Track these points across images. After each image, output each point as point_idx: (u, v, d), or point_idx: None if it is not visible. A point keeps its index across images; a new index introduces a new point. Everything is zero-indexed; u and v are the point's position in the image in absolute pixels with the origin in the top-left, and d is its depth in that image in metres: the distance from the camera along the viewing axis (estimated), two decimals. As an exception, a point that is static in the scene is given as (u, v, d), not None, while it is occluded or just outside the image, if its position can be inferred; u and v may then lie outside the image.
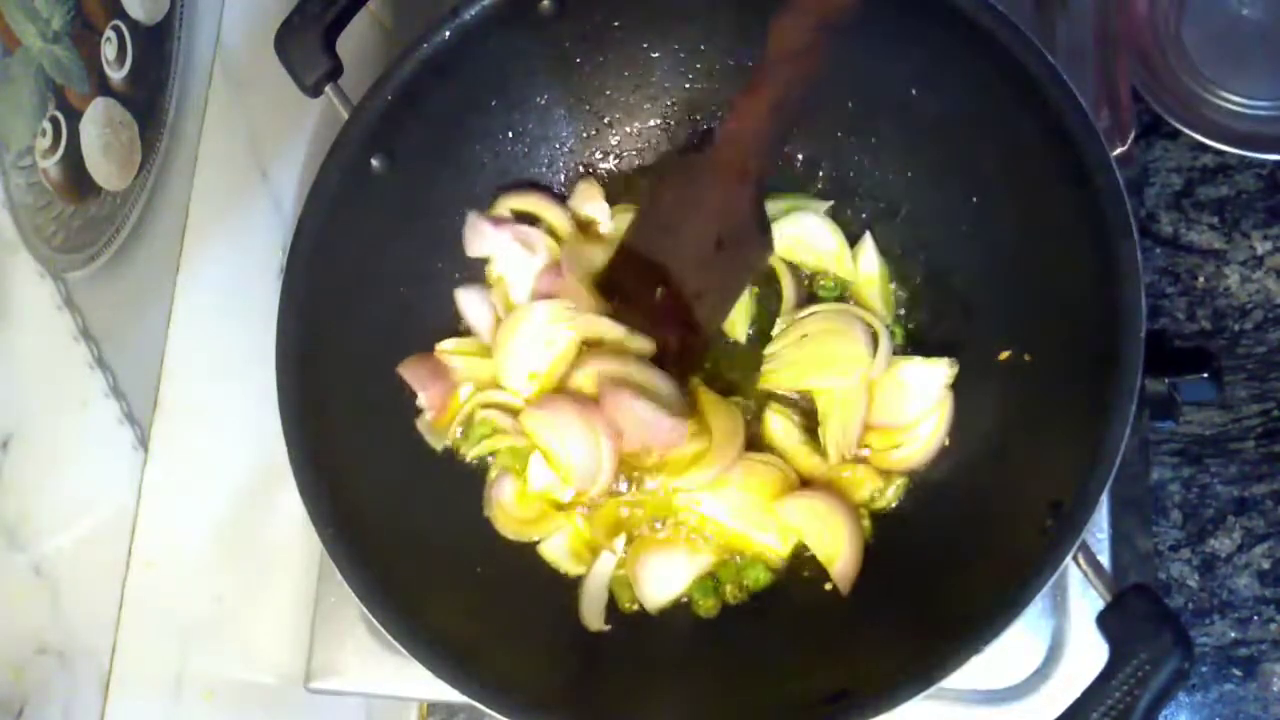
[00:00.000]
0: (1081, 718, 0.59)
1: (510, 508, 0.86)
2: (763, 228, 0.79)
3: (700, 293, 0.81)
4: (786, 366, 0.86)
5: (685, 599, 0.84)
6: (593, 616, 0.83)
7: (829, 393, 0.85)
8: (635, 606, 0.84)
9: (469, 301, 0.90)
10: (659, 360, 0.84)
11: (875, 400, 0.84)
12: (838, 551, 0.81)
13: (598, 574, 0.84)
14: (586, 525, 0.86)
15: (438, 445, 0.88)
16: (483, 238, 0.90)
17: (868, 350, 0.84)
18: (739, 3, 0.86)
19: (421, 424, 0.88)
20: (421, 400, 0.88)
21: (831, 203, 0.90)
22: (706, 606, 0.83)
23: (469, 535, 0.86)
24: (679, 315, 0.81)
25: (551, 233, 0.91)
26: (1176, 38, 1.09)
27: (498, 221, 0.90)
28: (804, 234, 0.89)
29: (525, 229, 0.90)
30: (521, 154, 0.92)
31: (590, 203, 0.92)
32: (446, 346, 0.89)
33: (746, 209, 0.77)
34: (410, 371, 0.87)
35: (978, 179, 0.82)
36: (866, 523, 0.83)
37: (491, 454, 0.88)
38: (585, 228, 0.92)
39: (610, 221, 0.91)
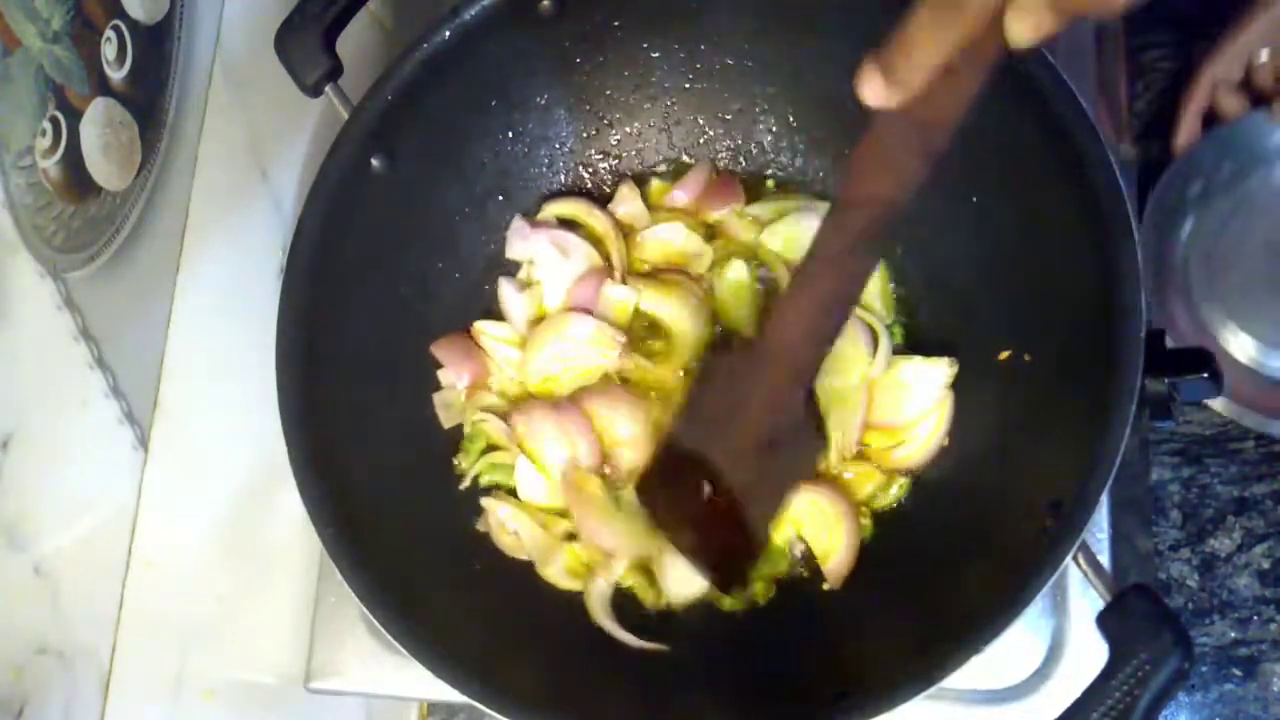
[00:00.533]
0: (1081, 718, 0.59)
1: (514, 531, 0.86)
2: (816, 426, 0.74)
3: (749, 494, 0.74)
4: None
5: (710, 598, 0.84)
6: (605, 622, 0.83)
7: (829, 391, 0.85)
8: (664, 603, 0.84)
9: (509, 293, 0.91)
10: (708, 565, 0.80)
11: (875, 400, 0.84)
12: (835, 548, 0.81)
13: (600, 586, 0.84)
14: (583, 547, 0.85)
15: (448, 423, 0.89)
16: (523, 240, 0.91)
17: (868, 350, 0.84)
18: (738, 3, 0.86)
19: (439, 399, 0.89)
20: (448, 376, 0.89)
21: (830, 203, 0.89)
22: (732, 602, 0.83)
23: (469, 534, 0.86)
24: (726, 517, 0.74)
25: (593, 238, 0.92)
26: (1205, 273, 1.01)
27: (536, 225, 0.91)
28: (803, 234, 0.89)
29: (563, 234, 0.91)
30: (521, 154, 0.92)
31: (627, 204, 0.93)
32: (485, 328, 0.90)
33: (798, 408, 0.71)
34: (444, 350, 0.89)
35: (978, 179, 0.82)
36: (867, 521, 0.83)
37: (486, 476, 0.88)
38: (626, 232, 0.92)
39: (650, 229, 0.92)
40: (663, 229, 0.91)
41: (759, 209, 0.92)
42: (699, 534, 0.78)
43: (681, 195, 0.93)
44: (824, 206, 0.89)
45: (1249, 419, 1.00)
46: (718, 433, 0.74)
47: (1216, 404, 1.00)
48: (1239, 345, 1.02)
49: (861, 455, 0.85)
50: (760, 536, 0.76)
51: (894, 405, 0.84)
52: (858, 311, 0.86)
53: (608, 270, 0.90)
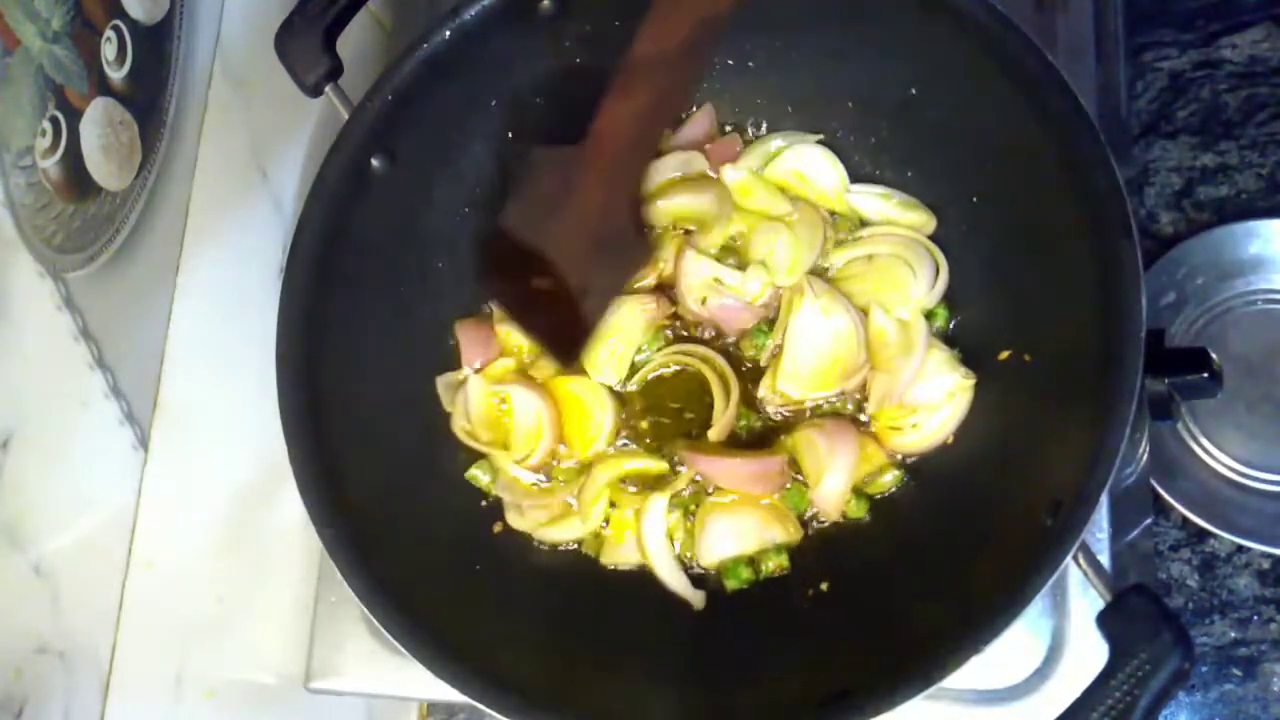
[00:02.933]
0: (1081, 718, 0.59)
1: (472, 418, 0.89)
2: (640, 233, 0.76)
3: (584, 290, 0.77)
4: (851, 279, 0.88)
5: (716, 573, 0.85)
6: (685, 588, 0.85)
7: (886, 327, 0.85)
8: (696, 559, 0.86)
9: None
10: (545, 340, 0.83)
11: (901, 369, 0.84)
12: (821, 475, 0.83)
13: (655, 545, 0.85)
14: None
15: (450, 405, 0.90)
16: None
17: (928, 278, 0.85)
18: (739, 2, 0.85)
19: (443, 382, 0.90)
20: (468, 359, 0.90)
21: (821, 135, 0.90)
22: (741, 578, 0.84)
23: (469, 534, 0.86)
24: (560, 305, 0.77)
25: None
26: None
27: None
28: (805, 168, 0.89)
29: None
30: (522, 153, 0.92)
31: None
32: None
33: (623, 213, 0.74)
34: (465, 332, 0.91)
35: (977, 179, 0.82)
36: (862, 502, 0.84)
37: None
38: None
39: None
40: (662, 161, 0.91)
41: (753, 158, 0.92)
42: (537, 314, 0.79)
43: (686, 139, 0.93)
44: (815, 138, 0.90)
45: (1228, 534, 1.01)
46: (549, 223, 0.75)
47: (1195, 517, 1.01)
48: (1215, 461, 1.02)
49: (867, 428, 0.85)
50: (591, 323, 0.78)
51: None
52: (926, 243, 0.86)
53: None
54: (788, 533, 0.84)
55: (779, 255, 0.88)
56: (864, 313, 0.86)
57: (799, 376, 0.86)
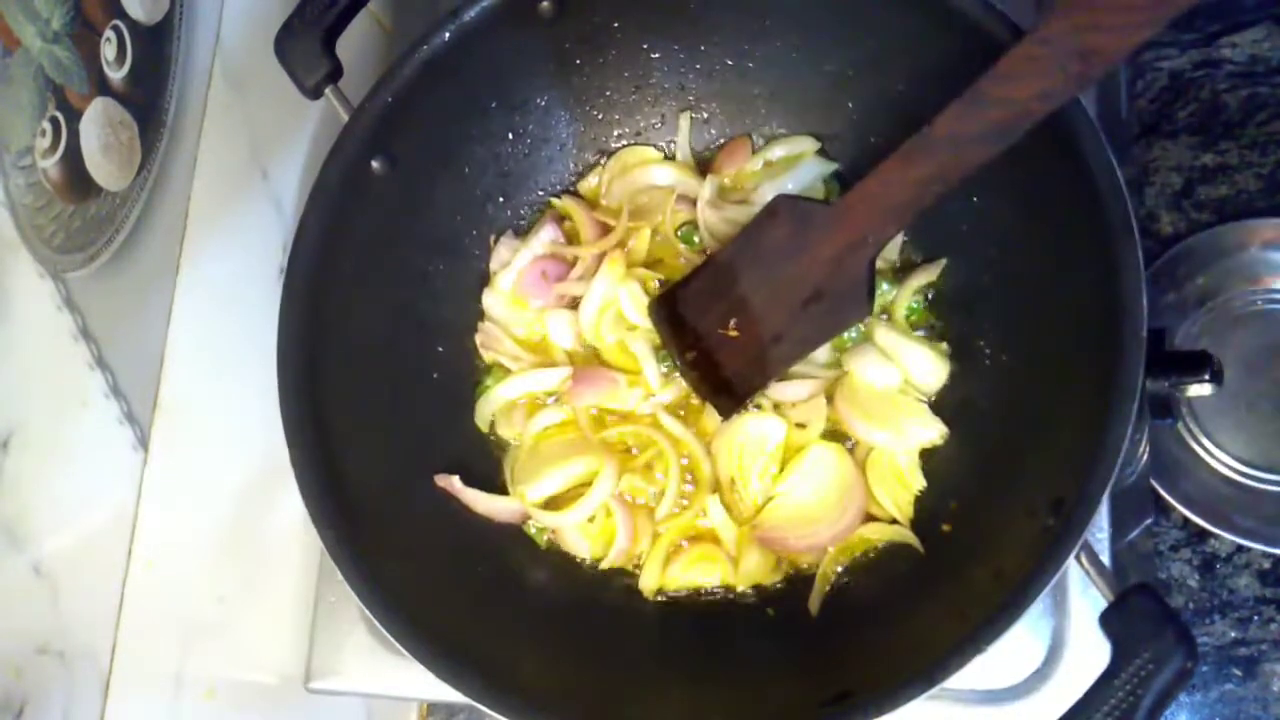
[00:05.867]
0: (1084, 717, 0.59)
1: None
2: (869, 295, 0.74)
3: (778, 337, 0.76)
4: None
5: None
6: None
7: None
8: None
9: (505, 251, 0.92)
10: (708, 390, 0.82)
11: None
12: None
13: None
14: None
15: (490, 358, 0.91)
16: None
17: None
18: (738, 3, 0.86)
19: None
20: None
21: (820, 144, 0.91)
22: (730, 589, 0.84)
23: (469, 535, 0.86)
24: (744, 351, 0.77)
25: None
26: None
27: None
28: (801, 190, 0.90)
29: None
30: (521, 155, 0.92)
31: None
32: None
33: (859, 274, 0.73)
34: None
35: (978, 179, 0.81)
36: None
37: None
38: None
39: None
40: (643, 172, 0.92)
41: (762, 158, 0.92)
42: (706, 358, 0.79)
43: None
44: (815, 146, 0.90)
45: (1230, 535, 1.01)
46: (768, 272, 0.75)
47: (1195, 517, 1.01)
48: (1215, 461, 1.03)
49: None
50: (770, 377, 0.77)
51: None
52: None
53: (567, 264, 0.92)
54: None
55: None
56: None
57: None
